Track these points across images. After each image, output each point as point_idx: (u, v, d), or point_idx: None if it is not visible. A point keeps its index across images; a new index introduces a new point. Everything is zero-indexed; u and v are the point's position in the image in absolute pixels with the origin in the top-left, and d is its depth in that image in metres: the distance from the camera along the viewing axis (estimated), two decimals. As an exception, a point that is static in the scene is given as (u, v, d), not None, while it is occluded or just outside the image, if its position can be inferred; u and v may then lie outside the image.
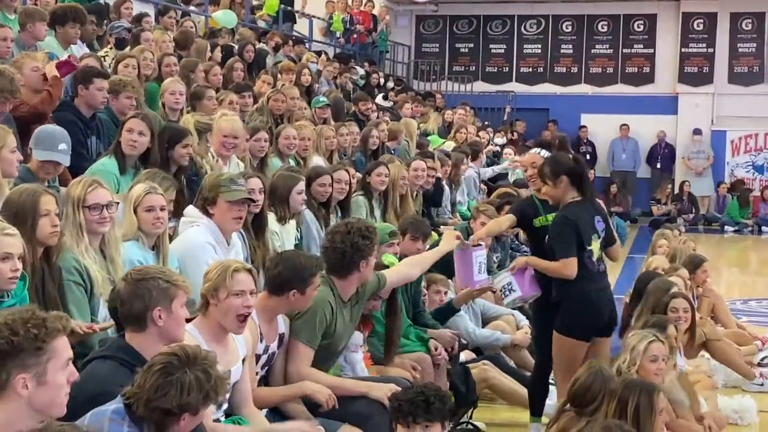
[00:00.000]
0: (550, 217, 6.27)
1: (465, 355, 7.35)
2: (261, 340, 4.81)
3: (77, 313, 4.47)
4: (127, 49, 9.37)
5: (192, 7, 14.64)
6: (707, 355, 7.99)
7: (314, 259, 5.07)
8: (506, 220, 6.69)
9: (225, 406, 4.35)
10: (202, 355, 3.33)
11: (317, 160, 8.85)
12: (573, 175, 6.14)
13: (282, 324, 5.02)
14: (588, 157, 21.23)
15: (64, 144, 5.65)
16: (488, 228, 6.76)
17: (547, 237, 6.22)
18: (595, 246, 6.15)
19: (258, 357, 4.84)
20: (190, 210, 5.65)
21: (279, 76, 11.44)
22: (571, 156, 6.53)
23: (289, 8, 18.48)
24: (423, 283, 6.99)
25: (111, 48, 9.82)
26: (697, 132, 22.22)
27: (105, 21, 10.24)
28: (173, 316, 3.78)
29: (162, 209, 5.09)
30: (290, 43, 15.55)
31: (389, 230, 6.60)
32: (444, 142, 13.56)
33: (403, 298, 6.38)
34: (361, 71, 17.22)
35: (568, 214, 6.09)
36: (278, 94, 9.87)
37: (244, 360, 4.48)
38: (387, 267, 5.94)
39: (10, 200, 4.42)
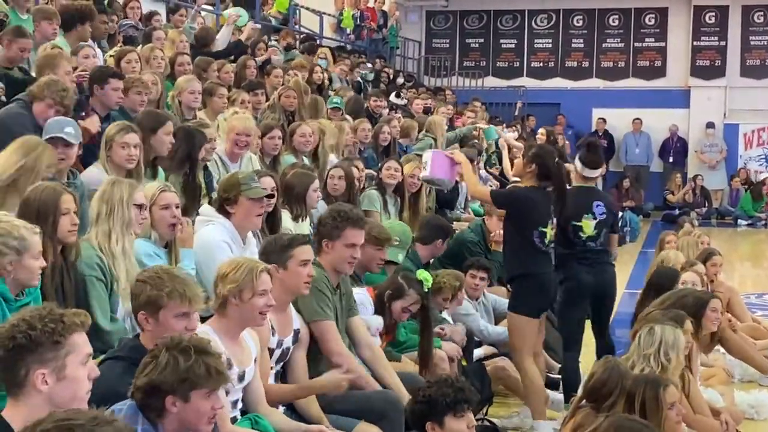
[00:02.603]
0: None
1: (485, 350, 7.37)
2: (273, 333, 4.81)
3: (98, 309, 4.50)
4: (139, 47, 9.37)
5: (205, 5, 14.64)
6: (723, 349, 7.97)
7: (297, 236, 5.10)
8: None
9: (240, 404, 4.37)
10: (190, 340, 3.34)
11: (332, 158, 8.86)
12: (542, 169, 6.61)
13: (297, 319, 5.02)
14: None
15: (70, 127, 5.69)
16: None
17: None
18: (587, 224, 7.08)
19: (271, 352, 4.83)
20: (206, 209, 5.69)
21: (291, 73, 11.41)
22: (556, 158, 6.82)
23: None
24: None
25: (120, 47, 9.82)
26: (710, 126, 22.14)
27: (114, 18, 10.26)
28: (159, 324, 3.76)
29: (177, 207, 5.15)
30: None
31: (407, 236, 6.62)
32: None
33: None
34: (370, 67, 17.17)
35: (527, 191, 6.68)
36: (289, 91, 9.87)
37: (255, 360, 4.48)
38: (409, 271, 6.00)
39: (31, 199, 4.46)
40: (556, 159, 6.77)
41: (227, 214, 5.53)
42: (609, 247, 7.36)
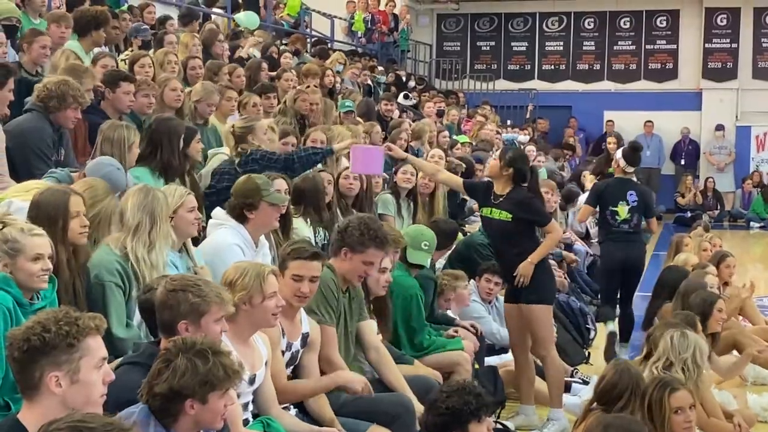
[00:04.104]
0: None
1: (500, 360, 7.41)
2: (283, 335, 4.82)
3: (114, 317, 4.51)
4: (151, 51, 9.41)
5: (216, 9, 14.70)
6: (735, 352, 7.95)
7: (301, 241, 5.12)
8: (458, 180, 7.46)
9: (251, 407, 4.39)
10: (203, 342, 3.34)
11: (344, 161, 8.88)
12: (518, 174, 6.74)
13: (306, 323, 5.04)
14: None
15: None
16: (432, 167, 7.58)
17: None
18: (621, 209, 8.66)
19: (281, 354, 4.83)
20: (218, 212, 5.71)
21: (303, 79, 11.43)
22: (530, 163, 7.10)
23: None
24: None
25: (131, 50, 9.86)
26: (719, 128, 22.10)
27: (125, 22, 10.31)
28: (200, 330, 3.74)
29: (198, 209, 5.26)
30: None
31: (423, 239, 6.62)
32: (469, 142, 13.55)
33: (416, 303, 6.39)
34: (381, 70, 17.19)
35: (523, 191, 6.75)
36: (304, 94, 9.90)
37: (266, 363, 4.49)
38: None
39: (40, 202, 4.47)
40: (531, 164, 7.09)
41: (243, 219, 5.55)
42: (648, 228, 9.18)
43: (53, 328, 2.96)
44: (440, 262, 7.91)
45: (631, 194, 8.77)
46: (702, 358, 5.49)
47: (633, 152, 9.06)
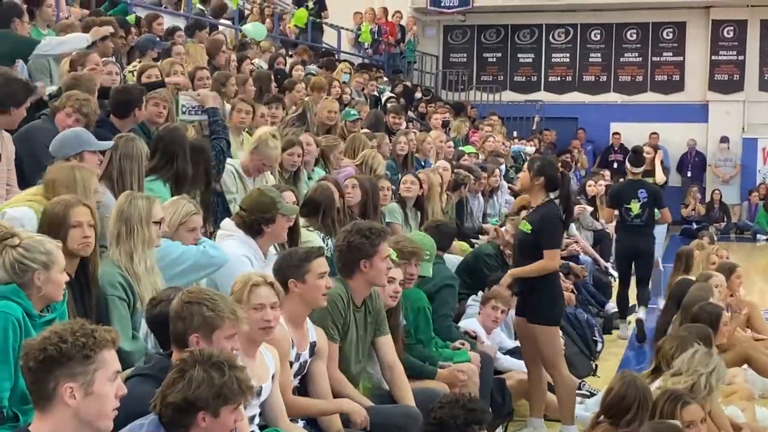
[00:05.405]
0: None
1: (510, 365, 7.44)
2: (292, 346, 4.81)
3: (119, 328, 4.50)
4: (160, 61, 9.44)
5: (223, 20, 14.74)
6: (745, 365, 7.92)
7: (312, 248, 5.07)
8: None
9: (257, 420, 4.38)
10: (219, 355, 3.33)
11: (348, 169, 8.92)
12: (549, 181, 6.75)
13: (313, 332, 5.03)
14: (616, 165, 21.06)
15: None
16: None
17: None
18: (634, 206, 10.20)
19: (290, 365, 4.83)
20: (227, 223, 5.71)
21: (311, 91, 11.46)
22: (560, 170, 7.12)
23: (317, 20, 18.55)
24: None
25: (139, 62, 9.89)
26: (724, 140, 22.09)
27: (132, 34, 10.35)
28: (211, 346, 3.71)
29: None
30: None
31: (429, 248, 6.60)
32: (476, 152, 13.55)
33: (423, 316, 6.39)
34: (388, 89, 17.19)
35: (554, 210, 6.69)
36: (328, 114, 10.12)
37: (273, 376, 4.48)
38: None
39: (46, 211, 4.52)
40: (561, 170, 7.09)
41: (256, 232, 5.56)
42: (662, 218, 10.60)
43: (70, 339, 2.96)
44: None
45: (641, 192, 10.29)
46: (722, 379, 5.48)
47: (635, 155, 10.80)
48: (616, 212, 10.62)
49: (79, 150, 5.51)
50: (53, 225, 4.41)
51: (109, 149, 5.71)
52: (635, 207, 10.23)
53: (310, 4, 18.56)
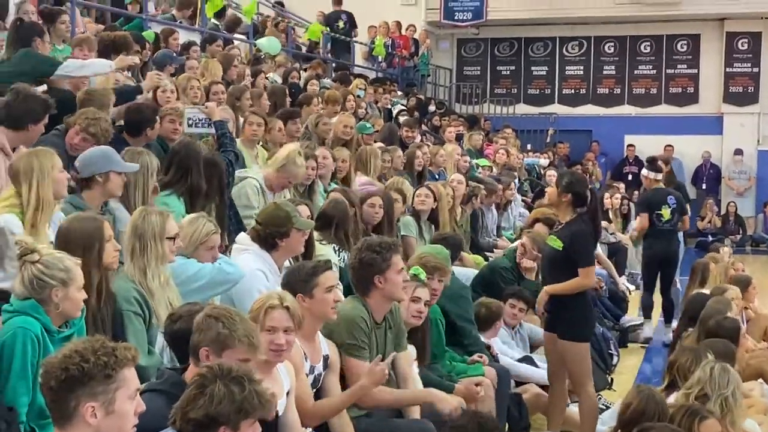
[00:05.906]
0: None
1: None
2: (306, 359, 4.81)
3: (135, 343, 4.50)
4: (176, 77, 9.48)
5: (237, 35, 14.79)
6: (761, 379, 7.88)
7: (320, 262, 5.07)
8: None
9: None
10: (238, 369, 3.32)
11: (360, 179, 8.98)
12: (576, 198, 6.72)
13: (325, 345, 5.03)
14: (631, 177, 21.03)
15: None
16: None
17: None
18: (665, 212, 10.70)
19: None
20: (242, 237, 5.73)
21: (325, 104, 11.48)
22: (588, 186, 7.11)
23: (347, 39, 18.60)
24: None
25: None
26: (738, 152, 22.02)
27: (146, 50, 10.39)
28: None
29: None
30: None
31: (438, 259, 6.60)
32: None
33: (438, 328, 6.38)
34: (402, 102, 17.21)
35: (585, 227, 6.69)
36: (325, 118, 10.00)
37: (288, 392, 4.47)
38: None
39: (73, 229, 4.47)
40: (589, 186, 7.03)
41: (271, 246, 5.57)
42: (682, 225, 10.95)
43: (92, 358, 2.95)
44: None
45: (671, 198, 10.85)
46: (740, 396, 5.46)
47: (652, 163, 11.34)
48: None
49: (105, 170, 5.51)
50: (89, 242, 4.38)
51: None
52: (666, 213, 10.70)
53: (341, 24, 18.64)
